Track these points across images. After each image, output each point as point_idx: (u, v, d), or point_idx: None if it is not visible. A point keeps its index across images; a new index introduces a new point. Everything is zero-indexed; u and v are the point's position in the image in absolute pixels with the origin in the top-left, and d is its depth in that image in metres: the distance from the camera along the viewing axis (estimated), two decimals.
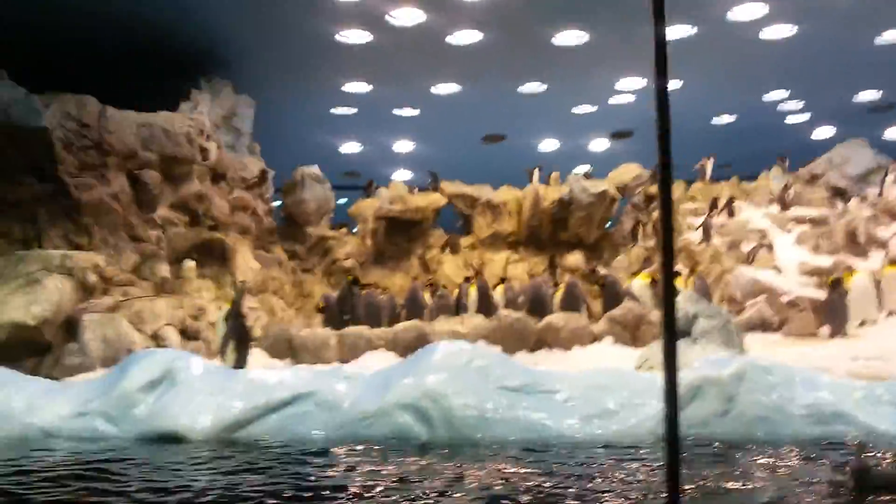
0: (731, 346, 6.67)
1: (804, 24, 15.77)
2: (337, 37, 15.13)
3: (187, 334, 11.03)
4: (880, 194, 17.42)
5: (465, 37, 15.45)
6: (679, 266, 14.79)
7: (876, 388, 5.64)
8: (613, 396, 5.79)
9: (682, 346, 6.73)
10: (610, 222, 18.33)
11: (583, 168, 21.66)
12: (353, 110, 20.37)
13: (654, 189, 18.22)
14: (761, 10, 14.88)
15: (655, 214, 17.69)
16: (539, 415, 5.71)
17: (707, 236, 15.37)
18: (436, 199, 17.32)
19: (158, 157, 12.06)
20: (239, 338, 8.55)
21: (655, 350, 6.89)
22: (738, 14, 15.09)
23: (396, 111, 20.69)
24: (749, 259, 14.26)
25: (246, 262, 12.86)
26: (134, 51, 14.09)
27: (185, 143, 12.22)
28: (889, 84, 19.92)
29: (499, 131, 23.01)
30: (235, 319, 8.67)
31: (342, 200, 20.15)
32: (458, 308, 11.48)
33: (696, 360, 6.11)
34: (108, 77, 13.22)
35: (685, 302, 7.10)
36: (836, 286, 10.89)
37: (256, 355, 10.35)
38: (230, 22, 14.40)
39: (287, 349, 9.73)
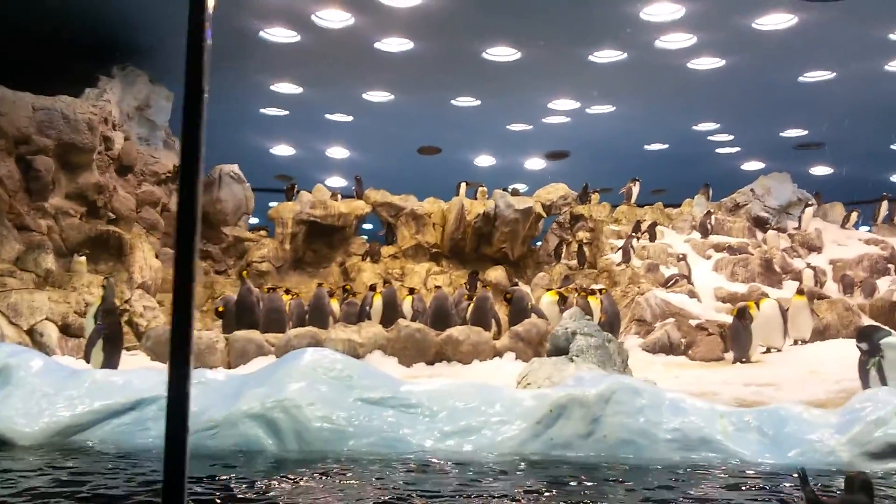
0: (609, 366, 6.47)
1: (730, 57, 16.00)
2: (262, 34, 14.70)
3: (70, 331, 10.39)
4: (798, 227, 17.81)
5: (395, 44, 15.21)
6: (597, 284, 14.77)
7: (744, 414, 5.47)
8: (478, 413, 5.50)
9: (559, 363, 6.52)
10: (535, 240, 18.24)
11: (520, 186, 21.64)
12: (284, 112, 19.92)
13: (580, 209, 18.24)
14: (688, 40, 15.03)
15: (580, 234, 17.69)
16: (397, 429, 5.38)
17: (627, 258, 15.37)
18: (359, 207, 16.96)
19: (55, 143, 11.40)
20: (108, 338, 8.00)
21: (537, 367, 6.66)
22: (666, 42, 15.21)
23: (329, 116, 20.32)
24: (667, 284, 14.29)
25: (146, 259, 12.23)
26: (43, 32, 13.42)
27: (86, 131, 11.59)
28: (813, 122, 20.44)
29: (434, 143, 22.85)
30: (105, 318, 8.10)
31: (273, 203, 19.62)
32: (362, 316, 11.11)
33: (569, 379, 5.88)
34: (9, 57, 12.53)
35: (567, 319, 6.91)
36: (741, 312, 10.89)
37: (140, 358, 9.81)
38: (149, 10, 13.84)
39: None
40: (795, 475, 3.84)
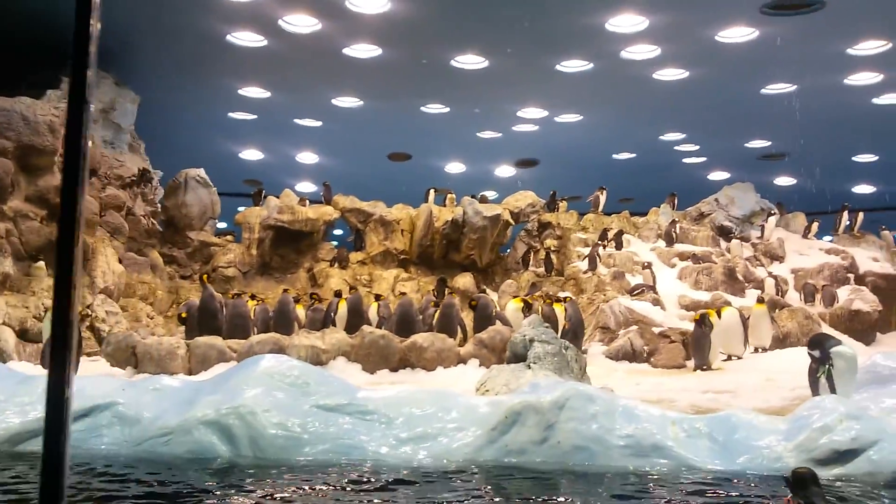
0: (566, 373, 6.54)
1: (694, 69, 16.27)
2: (229, 38, 14.62)
3: (28, 336, 10.22)
4: (761, 236, 18.12)
5: (364, 50, 15.22)
6: (564, 292, 14.89)
7: (696, 421, 5.57)
8: (434, 420, 5.53)
9: (517, 370, 6.57)
10: (504, 247, 18.33)
11: (490, 193, 21.74)
12: (253, 116, 19.82)
13: (548, 217, 18.37)
14: (653, 51, 15.24)
15: (548, 241, 17.82)
16: (353, 436, 5.38)
17: (593, 266, 15.51)
18: (327, 212, 16.90)
19: (15, 145, 11.21)
20: None
21: (496, 373, 6.71)
22: (631, 53, 15.41)
23: (298, 121, 20.26)
24: (633, 293, 14.44)
25: (108, 264, 12.07)
26: (4, 33, 13.22)
27: (47, 133, 11.41)
28: (776, 133, 20.85)
29: (404, 150, 22.89)
30: None
31: (242, 208, 19.50)
32: (327, 323, 11.07)
33: (526, 386, 5.93)
34: None
35: (525, 327, 6.97)
36: (702, 320, 11.06)
37: (100, 364, 9.68)
38: (115, 13, 13.69)
39: (130, 357, 9.07)
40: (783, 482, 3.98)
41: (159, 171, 16.76)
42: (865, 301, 15.36)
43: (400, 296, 12.75)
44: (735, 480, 4.83)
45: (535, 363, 6.55)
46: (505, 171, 25.00)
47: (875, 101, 18.03)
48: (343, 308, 11.36)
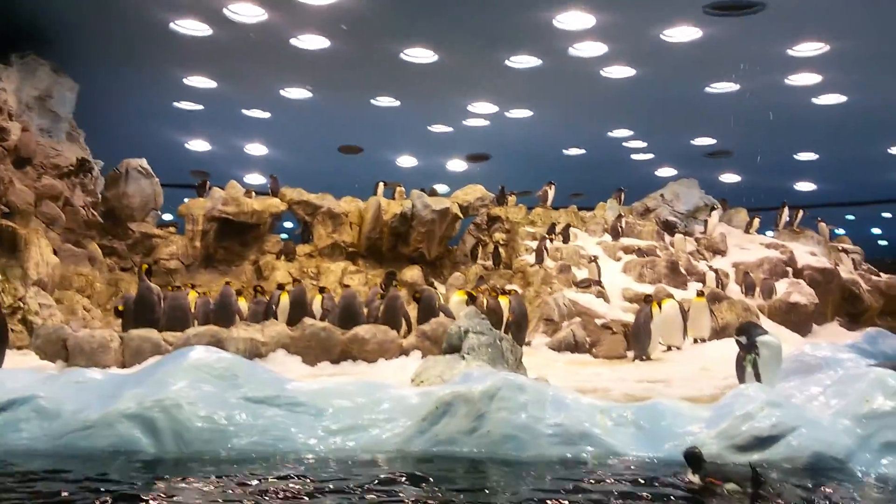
0: (500, 364, 6.58)
1: (641, 67, 16.52)
2: (173, 26, 14.32)
3: None
4: (704, 231, 18.51)
5: (312, 41, 15.06)
6: (511, 285, 14.98)
7: (624, 409, 5.65)
8: (365, 411, 5.49)
9: (451, 361, 6.59)
10: (453, 240, 18.36)
11: (442, 187, 21.74)
12: (199, 106, 19.48)
13: (497, 210, 18.46)
14: (600, 49, 15.42)
15: (496, 235, 17.91)
16: (282, 428, 5.31)
17: (540, 259, 15.65)
18: (273, 204, 16.69)
19: None
20: None
21: (431, 365, 6.71)
22: (579, 51, 15.57)
23: (246, 111, 19.97)
24: (579, 286, 14.60)
25: (42, 255, 11.72)
26: None
27: None
28: (721, 132, 21.31)
29: (355, 142, 22.76)
30: None
31: (188, 199, 19.13)
32: (269, 315, 10.94)
33: (459, 376, 5.95)
34: None
35: (461, 318, 6.99)
36: (642, 312, 11.25)
37: (30, 357, 9.40)
38: None
39: (60, 351, 8.82)
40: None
41: (100, 160, 16.33)
42: (802, 294, 15.82)
43: (344, 288, 12.67)
44: (657, 466, 4.92)
45: (469, 354, 6.57)
46: (456, 165, 25.06)
47: (815, 101, 18.55)
48: (285, 300, 11.24)
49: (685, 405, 5.66)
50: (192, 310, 11.39)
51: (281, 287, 12.03)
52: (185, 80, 17.45)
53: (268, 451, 5.15)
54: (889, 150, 22.36)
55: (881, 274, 19.01)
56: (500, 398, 5.43)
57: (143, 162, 16.42)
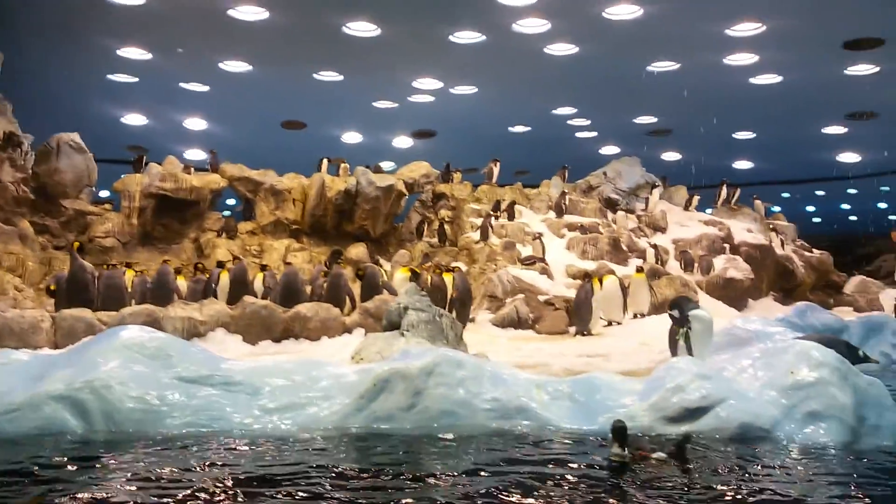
0: (439, 340, 6.60)
1: (583, 44, 16.61)
2: None
3: None
4: (645, 208, 18.84)
5: (250, 12, 14.66)
6: (457, 262, 15.02)
7: (560, 383, 5.74)
8: (302, 389, 5.45)
9: (391, 338, 6.58)
10: (398, 218, 18.27)
11: (388, 164, 21.56)
12: (134, 79, 18.83)
13: (442, 187, 18.42)
14: (543, 26, 15.43)
15: (442, 212, 17.89)
16: (217, 408, 5.23)
17: (485, 236, 15.71)
18: (213, 181, 16.30)
19: None
20: None
21: (370, 342, 6.69)
22: (522, 27, 15.55)
23: (183, 85, 19.39)
24: (524, 263, 14.72)
25: None
26: None
27: None
28: (662, 110, 21.65)
29: (298, 118, 22.36)
30: None
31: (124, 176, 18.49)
32: (208, 294, 10.72)
33: (398, 353, 5.94)
34: None
35: (401, 295, 6.98)
36: (583, 288, 11.41)
37: None
38: None
39: None
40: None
41: (30, 135, 15.66)
42: (739, 270, 16.30)
43: (286, 265, 12.51)
44: (591, 438, 5.02)
45: (408, 331, 6.57)
46: (402, 141, 24.88)
47: (752, 80, 18.96)
48: (225, 279, 11.03)
49: (619, 379, 5.78)
50: (129, 289, 11.10)
51: (221, 265, 11.80)
52: (118, 52, 16.83)
53: (202, 432, 5.07)
54: (822, 130, 23.07)
55: (814, 250, 19.70)
56: (438, 374, 5.45)
57: (76, 136, 15.80)
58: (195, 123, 22.63)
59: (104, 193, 20.60)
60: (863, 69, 17.84)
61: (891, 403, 5.47)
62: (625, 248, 16.26)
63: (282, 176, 17.17)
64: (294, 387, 5.46)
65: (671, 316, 6.62)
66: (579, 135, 24.26)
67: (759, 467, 4.54)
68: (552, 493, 3.88)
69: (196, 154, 23.60)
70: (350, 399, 5.35)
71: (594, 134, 24.30)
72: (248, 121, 22.23)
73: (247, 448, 4.78)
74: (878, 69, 17.76)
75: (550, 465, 4.42)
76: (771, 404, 5.36)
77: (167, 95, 20.05)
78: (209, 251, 15.40)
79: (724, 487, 4.04)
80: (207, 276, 11.61)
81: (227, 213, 18.81)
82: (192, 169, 16.67)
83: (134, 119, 22.16)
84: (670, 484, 4.06)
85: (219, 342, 8.90)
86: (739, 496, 3.89)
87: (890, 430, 5.30)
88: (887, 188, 28.79)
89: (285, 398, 5.38)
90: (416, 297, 6.83)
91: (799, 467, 4.62)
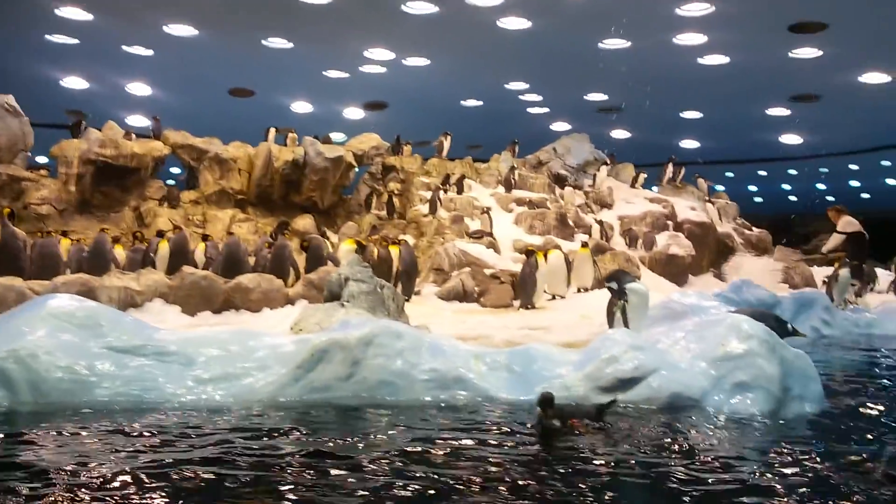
0: (380, 311, 6.59)
1: (536, 19, 16.60)
2: None
3: None
4: (593, 185, 19.06)
5: None
6: (405, 235, 14.98)
7: (499, 354, 5.79)
8: (238, 360, 5.38)
9: (331, 309, 6.54)
10: (347, 189, 18.12)
11: (339, 135, 21.30)
12: (74, 40, 18.15)
13: (392, 160, 18.31)
14: None
15: (391, 185, 17.79)
16: (149, 378, 5.13)
17: (434, 209, 15.69)
18: (155, 148, 15.86)
19: None
20: None
21: (310, 313, 6.63)
22: None
23: (126, 48, 18.78)
24: (472, 236, 14.76)
25: None
26: None
27: None
28: (612, 88, 21.85)
29: (247, 85, 21.91)
30: None
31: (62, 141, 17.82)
32: (147, 264, 10.47)
33: (337, 324, 5.91)
34: None
35: (343, 266, 6.93)
36: (528, 262, 11.50)
37: None
38: None
39: None
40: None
41: None
42: (681, 246, 16.65)
43: (228, 236, 12.29)
44: (527, 408, 5.08)
45: (348, 302, 6.53)
46: (353, 113, 24.62)
47: (700, 60, 19.27)
48: (164, 248, 10.78)
49: (556, 350, 5.86)
50: (65, 258, 10.77)
51: (161, 234, 11.52)
52: (56, 11, 16.17)
53: (133, 402, 4.97)
54: (767, 112, 23.62)
55: (753, 228, 20.25)
56: (376, 345, 5.44)
57: (11, 99, 15.15)
58: (139, 88, 21.98)
59: (41, 159, 19.87)
60: (807, 52, 18.27)
61: (815, 374, 5.67)
62: (571, 223, 16.44)
63: (228, 144, 16.81)
64: (229, 357, 5.39)
65: (609, 289, 6.73)
66: (531, 110, 24.36)
67: (684, 435, 4.67)
68: (482, 462, 3.92)
69: (139, 121, 22.94)
70: (287, 369, 5.30)
71: (546, 110, 24.44)
72: (194, 87, 21.69)
73: (178, 419, 4.70)
74: (821, 53, 18.21)
75: (483, 434, 4.47)
76: (701, 375, 5.49)
77: (109, 59, 19.40)
78: (150, 220, 15.04)
79: (646, 453, 4.14)
80: (146, 245, 11.33)
81: (171, 182, 18.36)
82: (134, 135, 16.19)
83: (74, 82, 21.41)
84: (595, 451, 4.14)
85: (156, 313, 8.72)
86: (662, 461, 3.99)
87: (814, 399, 5.50)
88: (826, 170, 29.71)
89: (220, 369, 5.30)
90: (358, 268, 6.79)
91: (723, 435, 4.76)
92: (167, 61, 19.53)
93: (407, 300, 11.06)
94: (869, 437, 4.66)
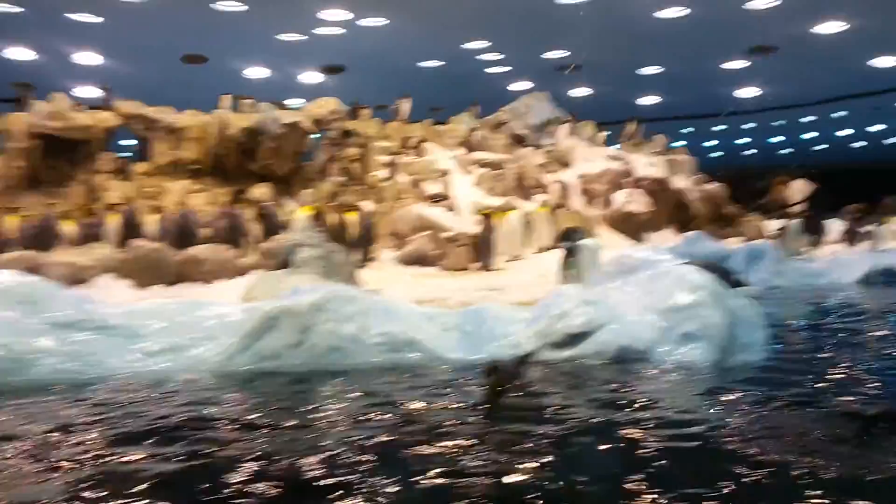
0: (333, 276, 6.54)
1: None
2: None
3: None
4: (553, 144, 19.04)
5: None
6: (365, 200, 14.87)
7: (450, 315, 5.81)
8: (185, 330, 5.32)
9: (282, 276, 6.49)
10: (305, 156, 17.83)
11: (297, 101, 20.88)
12: (17, 9, 17.45)
13: (350, 125, 18.02)
14: None
15: (350, 150, 17.55)
16: (93, 353, 5.05)
17: (393, 173, 15.56)
18: (106, 119, 15.36)
19: None
20: None
21: (262, 280, 6.56)
22: None
23: (71, 15, 18.11)
24: (431, 200, 14.70)
25: None
26: None
27: None
28: (571, 45, 21.70)
29: (199, 51, 21.34)
30: None
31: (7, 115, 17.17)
32: (97, 238, 10.25)
33: (289, 290, 5.86)
34: None
35: (295, 232, 6.86)
36: (485, 224, 11.51)
37: None
38: None
39: None
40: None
41: None
42: (638, 203, 16.77)
43: (181, 207, 12.07)
44: (476, 367, 5.10)
45: (300, 268, 6.47)
46: (311, 77, 24.17)
47: (656, 14, 19.18)
48: (114, 222, 10.55)
49: (508, 309, 5.90)
50: (13, 235, 10.49)
51: (111, 208, 11.26)
52: None
53: (76, 377, 4.89)
54: (725, 65, 23.70)
55: (710, 183, 20.42)
56: (327, 310, 5.41)
57: None
58: (88, 58, 21.29)
59: None
60: (764, 2, 18.26)
61: (761, 323, 5.78)
62: (531, 184, 16.44)
63: (181, 113, 16.37)
64: (176, 328, 5.33)
65: (561, 246, 6.75)
66: (490, 70, 24.15)
67: (630, 385, 4.74)
68: (432, 421, 3.93)
69: (89, 91, 22.22)
70: (236, 338, 5.25)
71: (506, 69, 24.23)
72: (145, 55, 21.05)
73: (122, 393, 4.63)
74: (779, 2, 18.20)
75: (433, 396, 4.48)
76: (649, 327, 5.57)
77: (55, 27, 18.72)
78: (102, 194, 14.64)
79: (594, 405, 4.20)
80: (96, 220, 11.08)
81: (128, 154, 17.89)
82: (83, 106, 15.67)
83: (19, 53, 20.67)
84: (544, 407, 4.18)
85: (106, 288, 8.58)
86: (609, 412, 4.05)
87: (759, 347, 5.61)
88: (782, 122, 30.05)
89: (166, 340, 5.24)
90: (309, 234, 6.72)
91: (669, 384, 4.85)
92: (116, 28, 18.91)
93: (366, 266, 11.05)
94: (811, 380, 4.77)
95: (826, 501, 2.81)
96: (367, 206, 13.77)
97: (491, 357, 4.65)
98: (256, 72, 23.31)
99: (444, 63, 23.10)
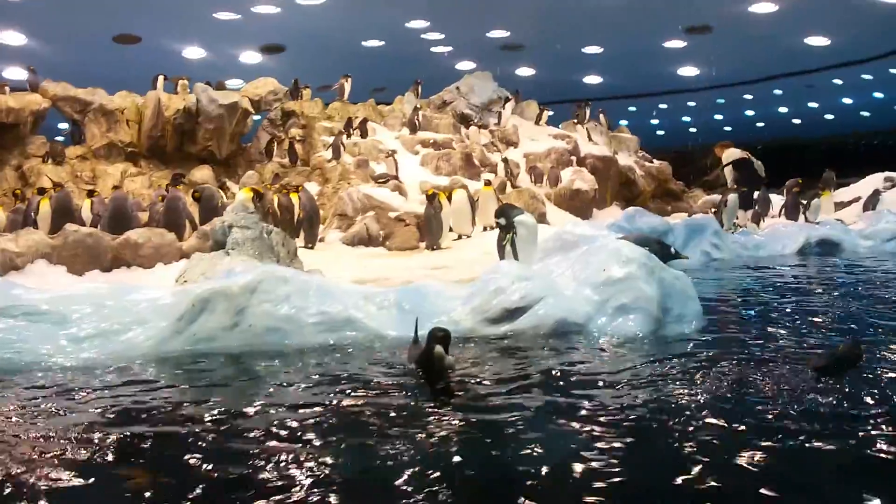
0: (268, 258, 6.45)
1: None
2: None
3: None
4: (498, 123, 19.10)
5: None
6: (309, 182, 14.69)
7: (389, 294, 5.78)
8: (115, 316, 5.17)
9: (216, 258, 6.36)
10: (246, 137, 17.54)
11: (236, 81, 20.45)
12: None
13: (291, 105, 17.77)
14: None
15: (292, 131, 17.32)
16: (17, 341, 4.87)
17: (337, 154, 15.42)
18: (33, 101, 14.87)
19: None
20: None
21: (195, 263, 6.43)
22: None
23: None
24: (377, 181, 14.60)
25: None
26: None
27: None
28: (514, 24, 21.76)
29: (131, 31, 20.71)
30: None
31: None
32: (28, 224, 9.90)
33: (222, 273, 5.75)
34: None
35: (227, 213, 6.73)
36: (431, 203, 11.49)
37: None
38: None
39: None
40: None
41: None
42: (585, 181, 16.97)
43: (113, 190, 11.74)
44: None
45: (234, 249, 6.36)
46: (250, 57, 23.71)
47: None
48: (46, 207, 10.20)
49: (446, 286, 5.90)
50: None
51: (41, 192, 10.88)
52: None
53: (7, 365, 4.72)
54: (664, 44, 24.09)
55: (654, 161, 20.81)
56: (261, 291, 5.33)
57: None
58: (11, 37, 20.43)
59: None
60: None
61: (694, 294, 5.91)
62: (477, 162, 16.49)
63: (113, 95, 15.90)
64: (106, 313, 5.18)
65: (498, 224, 6.78)
66: (434, 49, 24.07)
67: (566, 357, 4.81)
68: (369, 399, 3.92)
69: (14, 73, 21.35)
70: (168, 322, 5.14)
71: (449, 49, 24.18)
72: (74, 35, 20.34)
73: (49, 381, 4.49)
74: None
75: (368, 372, 4.47)
76: (585, 300, 5.64)
77: None
78: (34, 179, 14.19)
79: (531, 377, 4.25)
80: (26, 205, 10.70)
81: (61, 138, 17.28)
82: (8, 89, 15.10)
83: None
84: (482, 381, 4.21)
85: (39, 275, 8.28)
86: (546, 383, 4.10)
87: (692, 318, 5.74)
88: (723, 100, 30.74)
89: (96, 325, 5.09)
90: (242, 215, 6.59)
91: (605, 355, 4.94)
92: (43, 7, 18.18)
93: (311, 247, 10.95)
94: (744, 349, 4.90)
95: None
96: (312, 187, 13.61)
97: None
98: (194, 52, 22.77)
99: (385, 43, 22.91)
